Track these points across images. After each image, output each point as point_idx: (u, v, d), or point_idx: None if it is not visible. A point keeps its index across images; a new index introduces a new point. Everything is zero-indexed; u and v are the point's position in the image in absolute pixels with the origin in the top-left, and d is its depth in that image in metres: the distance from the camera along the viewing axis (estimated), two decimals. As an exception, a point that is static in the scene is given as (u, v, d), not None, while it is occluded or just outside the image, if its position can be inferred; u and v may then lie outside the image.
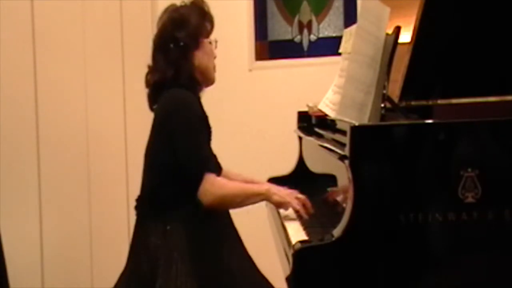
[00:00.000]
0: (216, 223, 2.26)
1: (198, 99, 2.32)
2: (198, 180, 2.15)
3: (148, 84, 2.34)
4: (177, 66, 2.27)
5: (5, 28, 3.30)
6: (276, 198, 2.21)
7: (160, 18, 2.35)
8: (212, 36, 2.36)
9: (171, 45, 2.28)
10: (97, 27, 3.63)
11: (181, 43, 2.27)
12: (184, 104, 2.23)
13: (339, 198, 2.02)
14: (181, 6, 2.35)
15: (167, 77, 2.26)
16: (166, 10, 2.35)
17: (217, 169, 2.35)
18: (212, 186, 2.16)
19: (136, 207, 2.32)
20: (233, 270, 2.25)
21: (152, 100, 2.34)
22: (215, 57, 2.36)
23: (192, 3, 2.35)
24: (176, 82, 2.26)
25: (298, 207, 2.16)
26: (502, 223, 1.68)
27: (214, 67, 2.36)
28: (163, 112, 2.26)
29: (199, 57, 2.31)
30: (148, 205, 2.27)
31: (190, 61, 2.29)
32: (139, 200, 2.32)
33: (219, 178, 2.24)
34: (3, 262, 2.95)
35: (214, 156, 2.37)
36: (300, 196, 2.22)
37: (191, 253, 2.17)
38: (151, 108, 2.35)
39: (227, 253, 2.27)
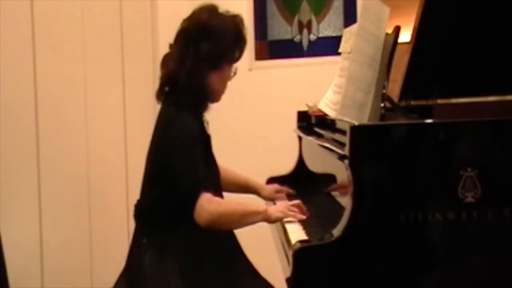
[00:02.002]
0: (215, 236, 2.17)
1: (200, 118, 2.22)
2: (194, 200, 2.05)
3: (163, 66, 2.23)
4: (188, 76, 2.15)
5: (5, 28, 3.30)
6: (275, 216, 2.12)
7: (200, 9, 2.20)
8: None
9: (192, 47, 2.15)
10: (96, 27, 3.62)
11: (202, 53, 2.14)
12: (183, 131, 2.12)
13: (339, 198, 2.02)
14: (222, 15, 2.20)
15: (179, 81, 2.15)
16: (207, 7, 2.20)
17: (216, 188, 2.23)
18: (208, 204, 2.05)
19: (135, 216, 2.27)
20: (234, 283, 2.22)
21: (160, 90, 2.22)
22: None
23: (233, 18, 2.21)
24: (183, 95, 2.16)
25: (298, 215, 2.10)
26: (502, 222, 1.68)
27: (224, 90, 2.26)
28: (163, 133, 2.17)
29: (213, 79, 2.19)
30: (147, 219, 2.22)
31: (203, 78, 2.17)
32: (138, 208, 2.27)
33: (216, 197, 2.12)
34: (3, 262, 2.95)
35: (217, 175, 2.29)
36: (294, 202, 2.17)
37: (189, 267, 2.13)
38: (158, 98, 2.24)
39: (227, 269, 2.21)
